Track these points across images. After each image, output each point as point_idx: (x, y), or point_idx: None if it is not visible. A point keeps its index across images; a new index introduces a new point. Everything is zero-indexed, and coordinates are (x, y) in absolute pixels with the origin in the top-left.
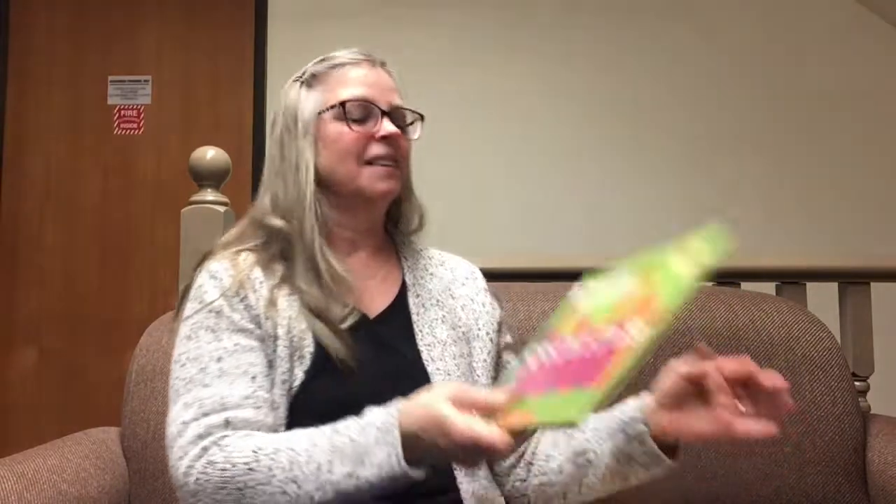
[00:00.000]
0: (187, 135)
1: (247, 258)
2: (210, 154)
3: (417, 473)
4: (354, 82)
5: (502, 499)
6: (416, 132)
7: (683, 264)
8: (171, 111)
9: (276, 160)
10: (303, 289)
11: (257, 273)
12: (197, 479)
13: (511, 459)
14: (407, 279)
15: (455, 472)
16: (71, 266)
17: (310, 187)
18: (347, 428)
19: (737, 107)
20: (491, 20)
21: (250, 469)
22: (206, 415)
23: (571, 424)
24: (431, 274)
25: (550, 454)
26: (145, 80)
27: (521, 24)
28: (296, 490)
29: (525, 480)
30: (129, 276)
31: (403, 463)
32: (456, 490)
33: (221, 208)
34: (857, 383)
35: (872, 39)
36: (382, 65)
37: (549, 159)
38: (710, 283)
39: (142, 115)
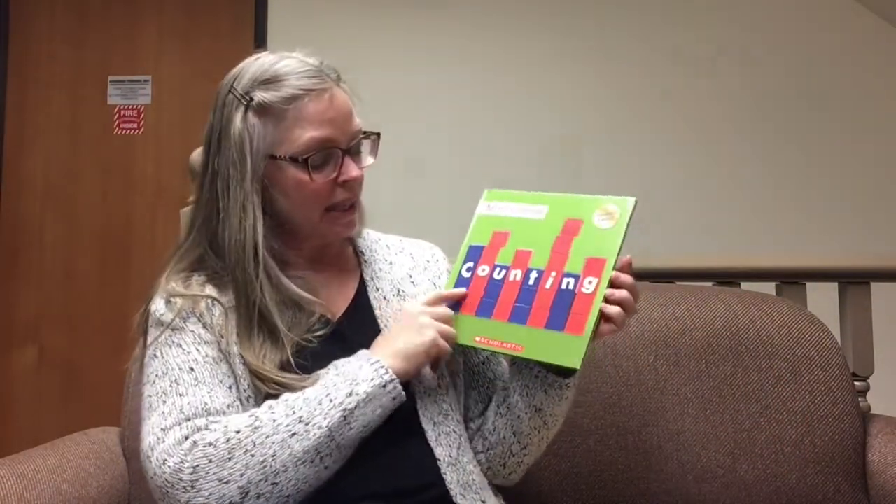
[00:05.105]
0: (187, 135)
1: (199, 278)
2: None
3: (402, 368)
4: (314, 122)
5: (488, 485)
6: (370, 157)
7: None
8: (171, 111)
9: (222, 196)
10: (243, 342)
11: (210, 290)
12: (195, 467)
13: (472, 430)
14: (365, 274)
15: (438, 465)
16: (71, 266)
17: (259, 234)
18: (327, 371)
19: (735, 106)
20: (498, 9)
21: (255, 428)
22: (188, 419)
23: (571, 368)
24: (391, 263)
25: (488, 415)
26: (145, 80)
27: (521, 15)
28: (304, 428)
29: (483, 452)
30: (129, 275)
31: (390, 371)
32: (442, 483)
33: None
34: (857, 383)
35: (872, 39)
36: (337, 80)
37: (550, 155)
38: (710, 283)
39: (142, 115)
